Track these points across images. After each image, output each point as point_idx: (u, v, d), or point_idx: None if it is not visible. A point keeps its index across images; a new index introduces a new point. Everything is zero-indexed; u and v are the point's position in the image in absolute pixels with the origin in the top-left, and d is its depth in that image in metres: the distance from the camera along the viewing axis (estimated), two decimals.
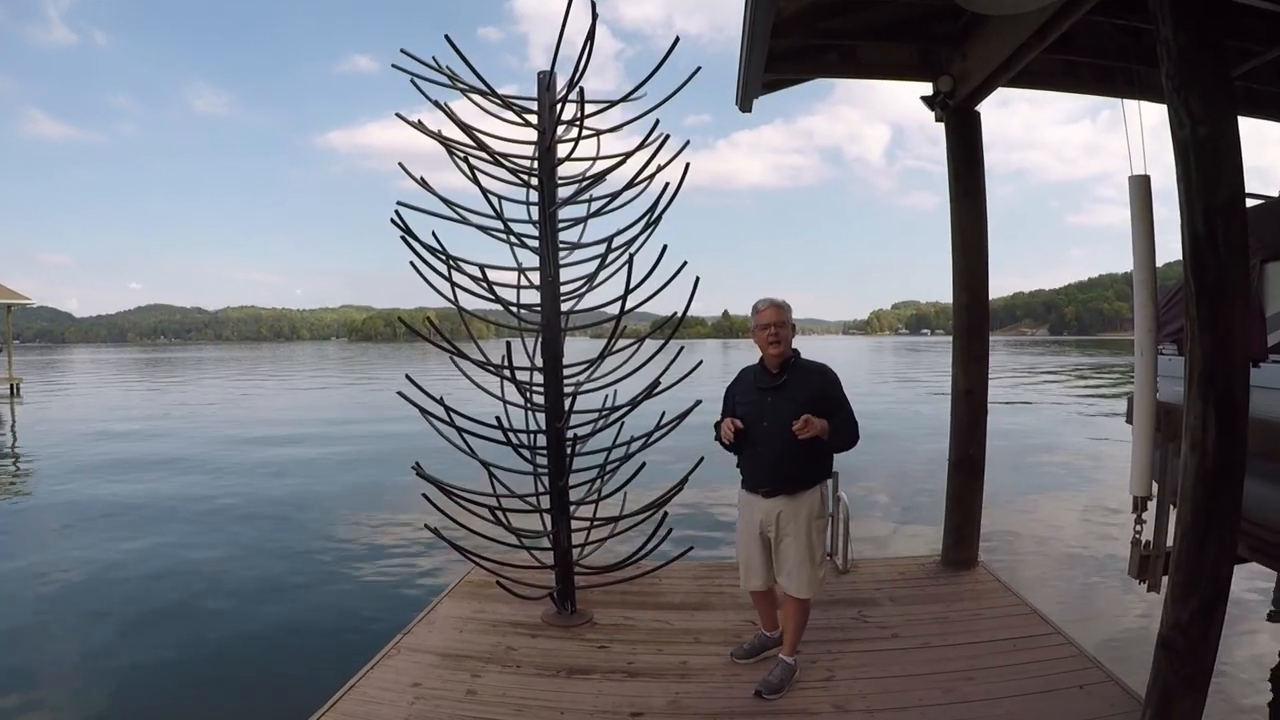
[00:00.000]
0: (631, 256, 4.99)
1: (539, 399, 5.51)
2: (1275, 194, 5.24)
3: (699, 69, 5.14)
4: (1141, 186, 3.97)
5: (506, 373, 5.26)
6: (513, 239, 5.43)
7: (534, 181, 5.43)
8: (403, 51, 5.22)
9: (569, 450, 5.44)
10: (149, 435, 22.47)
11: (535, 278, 5.47)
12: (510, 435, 5.42)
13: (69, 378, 58.72)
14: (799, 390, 4.30)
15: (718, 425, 4.59)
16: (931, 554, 6.76)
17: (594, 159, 5.61)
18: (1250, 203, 3.83)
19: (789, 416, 4.16)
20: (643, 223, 5.27)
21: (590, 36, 4.97)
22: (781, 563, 4.43)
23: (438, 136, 5.30)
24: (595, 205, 5.57)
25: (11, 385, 36.48)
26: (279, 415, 28.68)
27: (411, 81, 5.20)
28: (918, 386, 39.44)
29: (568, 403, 5.41)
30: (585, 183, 5.52)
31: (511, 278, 5.61)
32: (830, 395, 4.32)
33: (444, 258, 5.24)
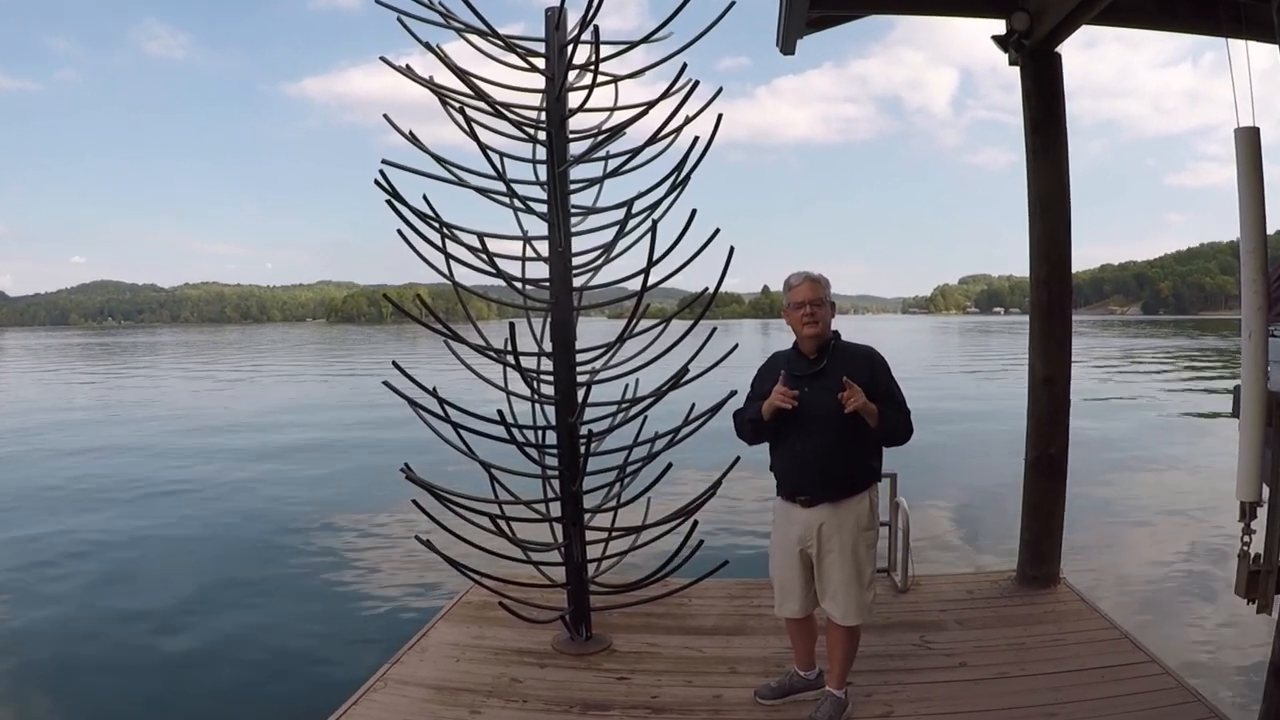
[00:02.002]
0: (655, 223, 4.97)
1: (548, 390, 5.52)
2: None
3: (733, 3, 5.11)
4: (1250, 140, 3.91)
5: (510, 359, 5.27)
6: (517, 203, 5.43)
7: (541, 136, 5.42)
8: None
9: (583, 449, 5.45)
10: (87, 443, 22.74)
11: (543, 248, 5.47)
12: (514, 432, 5.44)
13: None
14: (840, 377, 4.21)
15: (738, 416, 4.57)
16: (1005, 569, 6.75)
17: (611, 110, 5.59)
18: None
19: (831, 409, 4.13)
20: (668, 184, 5.26)
21: None
22: (825, 584, 4.40)
23: (429, 84, 5.30)
24: (613, 164, 5.56)
25: None
26: (245, 411, 28.91)
27: (398, 19, 5.20)
28: (991, 375, 39.24)
29: (581, 394, 5.40)
30: (601, 137, 5.51)
31: (516, 248, 5.62)
32: (878, 383, 4.28)
33: (437, 225, 5.25)
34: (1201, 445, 18.33)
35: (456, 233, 5.29)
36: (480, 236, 5.24)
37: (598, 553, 5.88)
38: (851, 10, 6.37)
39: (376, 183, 5.01)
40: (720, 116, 5.07)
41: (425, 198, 5.27)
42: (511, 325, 5.17)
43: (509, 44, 5.46)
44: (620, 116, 5.51)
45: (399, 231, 5.20)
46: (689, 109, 5.11)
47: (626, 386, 5.65)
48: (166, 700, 6.84)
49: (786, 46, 6.13)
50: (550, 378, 5.49)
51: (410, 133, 5.33)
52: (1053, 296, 6.33)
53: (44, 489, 15.40)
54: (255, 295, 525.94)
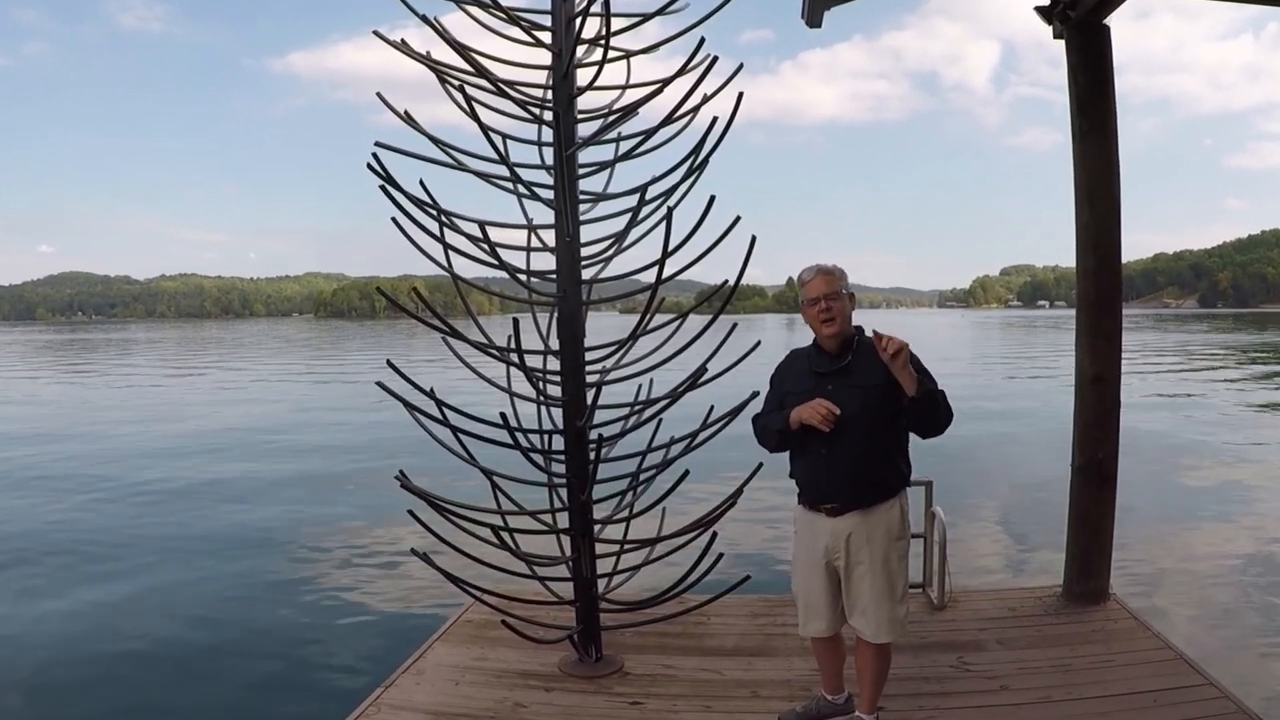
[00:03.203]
0: (671, 210, 4.97)
1: (554, 391, 5.53)
2: None
3: None
4: None
5: (513, 358, 5.27)
6: (521, 189, 5.44)
7: (547, 116, 5.42)
8: None
9: (592, 455, 5.43)
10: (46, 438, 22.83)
11: (549, 238, 5.48)
12: (518, 436, 5.43)
13: None
14: (869, 372, 4.21)
15: (759, 421, 4.56)
16: (1051, 585, 6.73)
17: (623, 87, 5.60)
18: None
19: (859, 408, 4.14)
20: (685, 167, 5.25)
21: None
22: (854, 599, 4.38)
23: (426, 60, 5.31)
24: (625, 146, 5.57)
25: None
26: (226, 412, 29.04)
27: None
28: (1035, 373, 39.12)
29: (591, 395, 5.40)
30: (612, 118, 5.51)
31: (520, 237, 5.63)
32: None
33: (435, 212, 5.26)
34: (1266, 450, 18.24)
35: (456, 221, 5.30)
36: (481, 225, 5.25)
37: (608, 567, 5.90)
38: None
39: (369, 166, 5.01)
40: (741, 95, 5.06)
41: (422, 183, 5.28)
42: (515, 321, 5.18)
43: (512, 16, 5.47)
44: (633, 95, 5.52)
45: (393, 219, 5.19)
46: (707, 86, 5.10)
47: (640, 387, 5.66)
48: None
49: (813, 19, 6.13)
50: (557, 378, 5.50)
51: (406, 112, 5.33)
52: (1101, 289, 6.32)
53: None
54: (237, 288, 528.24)
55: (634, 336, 5.48)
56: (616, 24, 5.35)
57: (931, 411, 4.13)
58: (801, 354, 4.55)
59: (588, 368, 5.51)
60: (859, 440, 4.16)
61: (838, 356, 4.35)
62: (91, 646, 8.41)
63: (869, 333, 4.24)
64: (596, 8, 5.27)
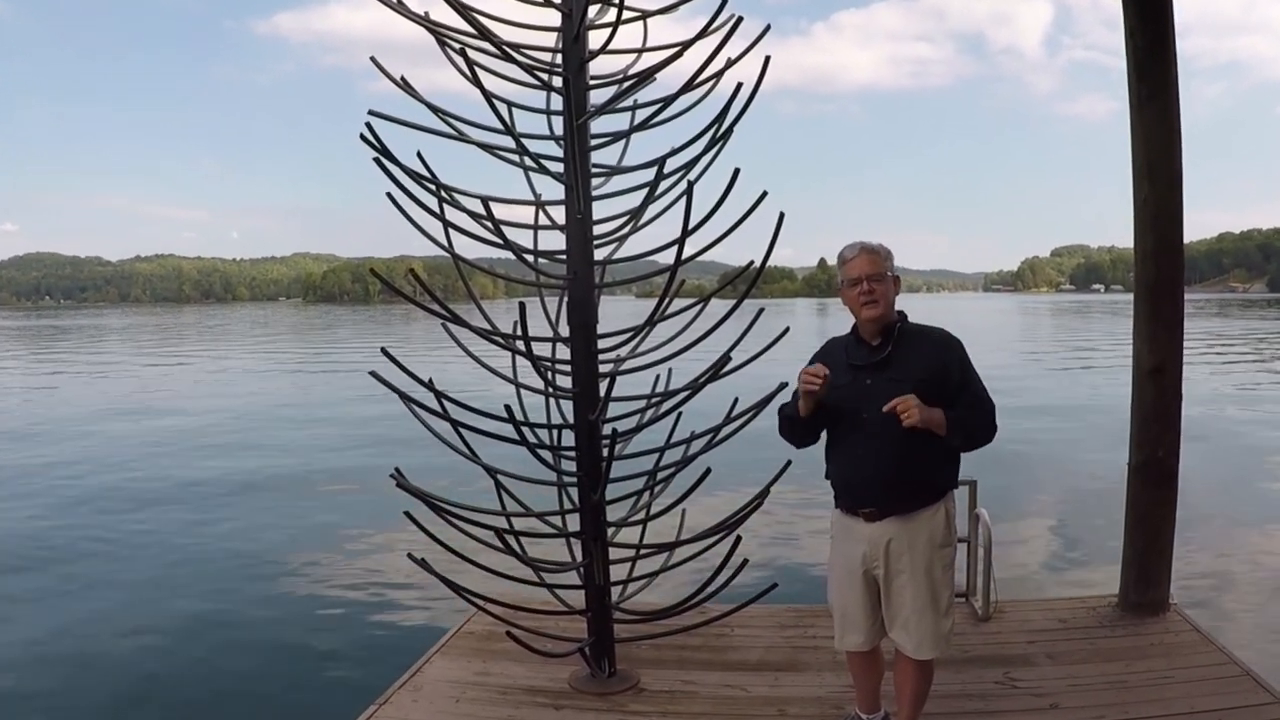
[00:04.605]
0: (691, 185, 4.94)
1: (564, 382, 5.54)
2: None
3: None
4: None
5: (520, 345, 5.29)
6: (528, 161, 5.43)
7: (557, 83, 5.41)
8: None
9: (606, 452, 5.45)
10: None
11: (559, 215, 5.48)
12: (525, 431, 5.43)
13: None
14: (911, 366, 4.22)
15: (783, 410, 4.56)
16: (1105, 594, 6.72)
17: (639, 51, 5.58)
18: None
19: None
20: (707, 138, 5.25)
21: None
22: (895, 611, 4.38)
23: (424, 20, 5.30)
24: (641, 115, 5.57)
25: None
26: (207, 405, 29.19)
27: None
28: (1088, 364, 38.98)
29: (604, 386, 5.39)
30: (627, 84, 5.50)
31: (527, 214, 5.63)
32: (954, 372, 4.26)
33: (434, 187, 5.27)
34: None
35: (457, 196, 5.31)
36: (485, 201, 5.23)
37: (623, 574, 5.89)
38: None
39: (362, 137, 5.01)
40: (768, 58, 5.04)
41: (420, 155, 5.30)
42: (521, 305, 5.19)
43: None
44: (650, 59, 5.49)
45: (388, 195, 5.21)
46: (731, 50, 5.09)
47: (658, 378, 5.66)
48: None
49: None
50: (567, 367, 5.51)
51: (402, 78, 5.34)
52: (1161, 271, 6.29)
53: None
54: (219, 270, 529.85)
55: (651, 322, 5.47)
56: None
57: (968, 438, 4.23)
58: (839, 344, 4.52)
59: (600, 356, 5.51)
60: (899, 440, 4.11)
61: (877, 347, 4.33)
62: (59, 663, 8.48)
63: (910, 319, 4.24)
64: None
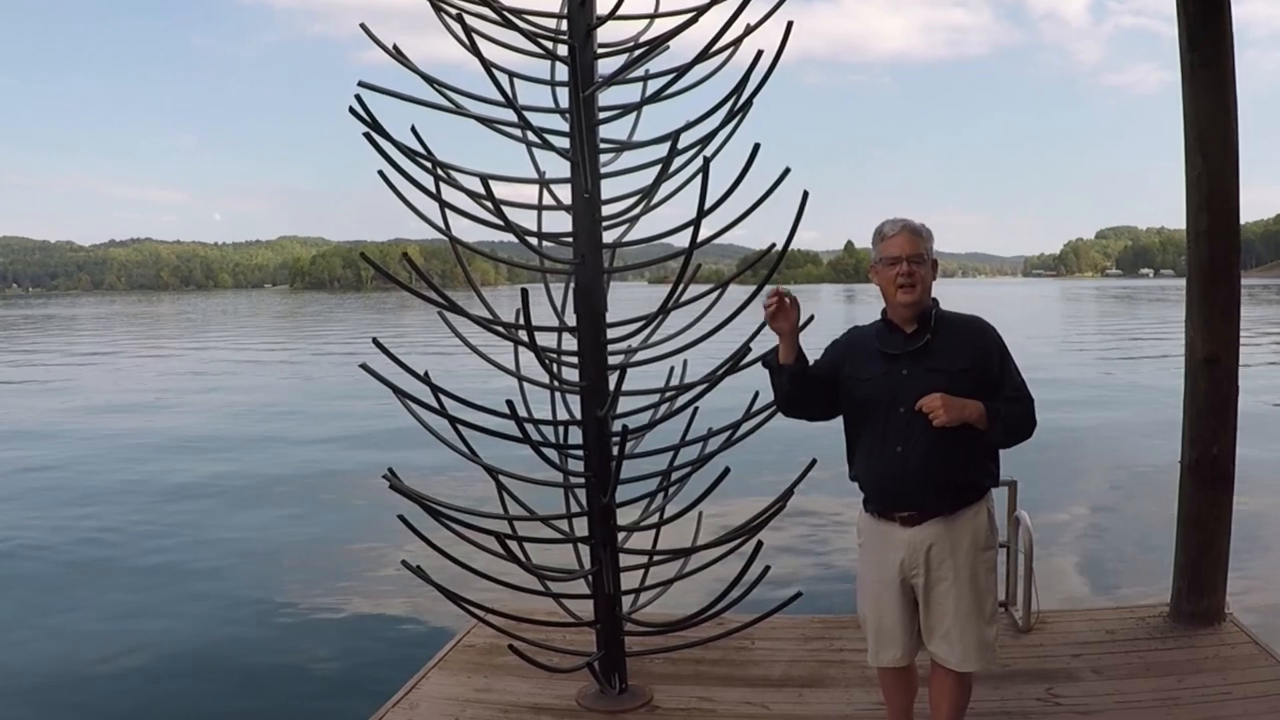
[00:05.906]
0: (708, 161, 4.94)
1: (571, 374, 5.54)
2: None
3: None
4: None
5: (523, 336, 5.27)
6: (531, 136, 5.43)
7: (562, 51, 5.41)
8: None
9: (616, 450, 5.46)
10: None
11: (565, 194, 5.47)
12: (529, 428, 5.43)
13: None
14: (950, 355, 4.17)
15: (763, 360, 4.53)
16: (1156, 603, 6.70)
17: (651, 17, 5.57)
18: None
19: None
20: (724, 111, 5.23)
21: None
22: (934, 621, 4.32)
23: None
24: (653, 86, 5.55)
25: None
26: (190, 401, 29.28)
27: None
28: (1138, 355, 38.93)
29: (614, 380, 5.41)
30: (638, 53, 5.49)
31: (530, 194, 5.63)
32: (993, 364, 4.22)
33: (429, 165, 5.27)
34: None
35: (454, 174, 5.31)
36: (484, 179, 5.23)
37: (635, 582, 5.91)
38: None
39: (352, 110, 5.02)
40: (790, 25, 5.01)
41: (414, 130, 5.29)
42: (524, 292, 5.17)
43: None
44: (663, 25, 5.48)
45: (380, 173, 5.20)
46: (750, 15, 5.07)
47: (671, 370, 5.66)
48: None
49: None
50: (574, 359, 5.50)
51: (395, 47, 5.34)
52: (1216, 254, 6.26)
53: None
54: (199, 255, 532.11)
55: (665, 310, 5.45)
56: None
57: (1007, 433, 4.19)
58: (866, 333, 4.45)
59: (610, 348, 5.50)
60: (939, 435, 4.04)
61: (913, 334, 4.26)
62: (46, 680, 8.51)
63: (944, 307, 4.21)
64: None
